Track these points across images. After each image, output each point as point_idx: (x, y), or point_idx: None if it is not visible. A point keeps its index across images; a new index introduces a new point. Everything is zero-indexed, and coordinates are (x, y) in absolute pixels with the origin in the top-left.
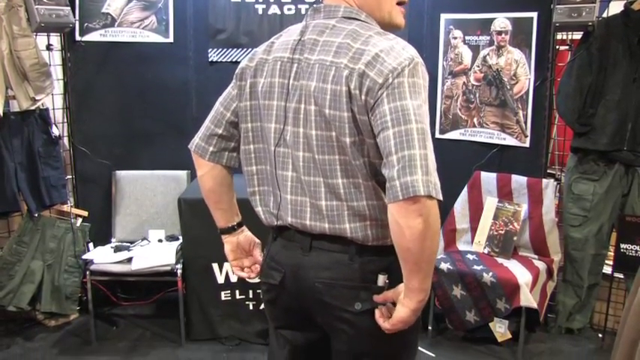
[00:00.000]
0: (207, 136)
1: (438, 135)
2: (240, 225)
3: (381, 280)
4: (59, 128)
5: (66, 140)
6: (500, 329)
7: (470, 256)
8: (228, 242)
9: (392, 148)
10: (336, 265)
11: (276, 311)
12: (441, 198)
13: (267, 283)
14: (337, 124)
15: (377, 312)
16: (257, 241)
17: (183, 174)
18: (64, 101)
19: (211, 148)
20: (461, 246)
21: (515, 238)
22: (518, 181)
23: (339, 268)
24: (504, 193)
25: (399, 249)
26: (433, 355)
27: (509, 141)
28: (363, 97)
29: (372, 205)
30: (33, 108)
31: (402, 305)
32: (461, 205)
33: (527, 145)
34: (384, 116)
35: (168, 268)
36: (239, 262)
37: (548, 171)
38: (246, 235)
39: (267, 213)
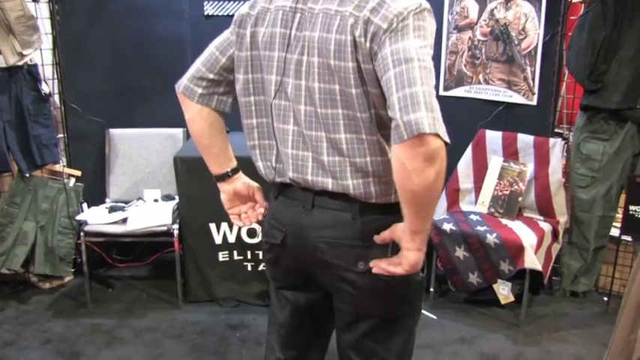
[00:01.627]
0: (196, 78)
1: (442, 92)
2: (235, 171)
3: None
4: (49, 85)
5: (56, 97)
6: (504, 291)
7: (473, 217)
8: (224, 190)
9: (393, 88)
10: (338, 223)
11: (277, 271)
12: (447, 140)
13: (269, 242)
14: (342, 75)
15: (383, 261)
16: (256, 185)
17: (179, 132)
18: (54, 56)
19: (200, 90)
20: (464, 206)
21: (520, 199)
22: (525, 140)
23: (342, 227)
24: (510, 152)
25: (404, 192)
26: (435, 317)
27: (516, 98)
28: (367, 45)
29: (375, 161)
30: (20, 64)
31: (407, 250)
32: (465, 164)
33: (534, 102)
34: (385, 59)
35: (165, 228)
36: (236, 209)
37: (556, 130)
38: (243, 182)
39: (267, 168)
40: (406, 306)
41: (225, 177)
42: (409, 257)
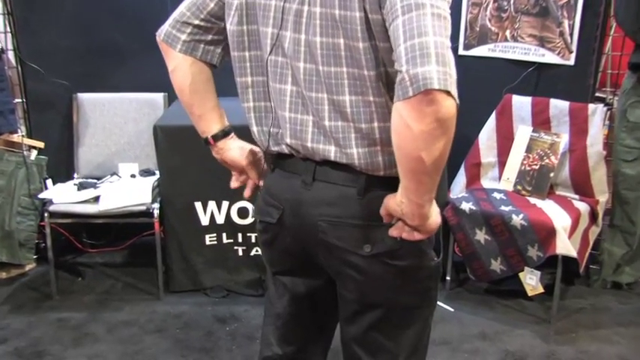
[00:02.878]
0: (179, 23)
1: (461, 51)
2: (226, 133)
3: (394, 221)
4: (1, 40)
5: (11, 55)
6: (532, 281)
7: (497, 195)
8: (217, 157)
9: (401, 37)
10: (342, 200)
11: (273, 254)
12: (457, 100)
13: (264, 221)
14: (348, 26)
15: (392, 229)
16: (255, 148)
17: (159, 97)
18: (5, 5)
19: (183, 37)
20: (486, 183)
21: (551, 175)
22: (559, 106)
23: (346, 203)
24: (540, 120)
25: (407, 161)
26: (451, 309)
27: (549, 57)
28: None
29: (383, 127)
30: None
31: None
32: (487, 135)
33: (571, 62)
34: (394, 5)
35: (143, 208)
36: (236, 177)
37: (597, 94)
38: (239, 149)
39: (262, 134)
40: (418, 295)
41: (207, 142)
42: (424, 227)
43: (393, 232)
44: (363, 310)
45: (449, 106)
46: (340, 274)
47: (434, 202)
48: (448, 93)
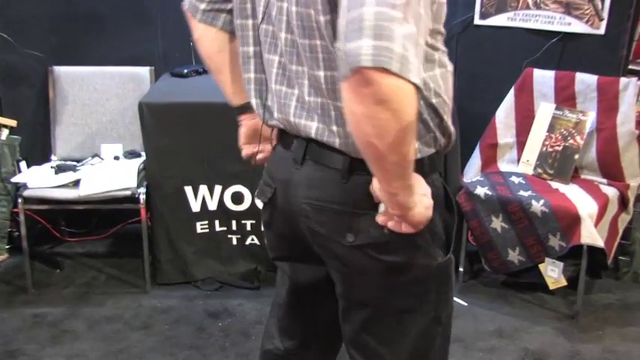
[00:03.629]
0: None
1: (477, 21)
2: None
3: (383, 208)
4: None
5: None
6: (553, 273)
7: (515, 179)
8: (245, 125)
9: (344, 9)
10: (325, 182)
11: (270, 237)
12: (410, 78)
13: (260, 201)
14: None
15: (379, 215)
16: None
17: (144, 71)
18: None
19: (202, 6)
20: (503, 166)
21: (576, 157)
22: (585, 80)
23: (329, 186)
24: (565, 96)
25: (360, 145)
26: (465, 304)
27: (576, 27)
28: None
29: None
30: None
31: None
32: (505, 112)
33: (601, 31)
34: None
35: (128, 193)
36: (251, 147)
37: (630, 67)
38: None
39: (260, 107)
40: (412, 298)
41: (245, 109)
42: (408, 219)
43: (379, 218)
44: (350, 306)
45: (389, 85)
46: (329, 265)
47: (418, 193)
48: (386, 70)
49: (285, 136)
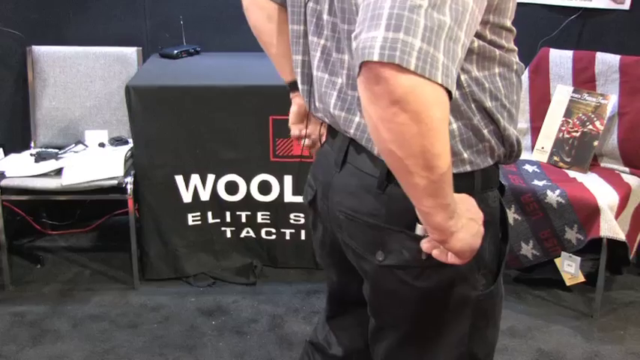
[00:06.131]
0: None
1: None
2: None
3: (420, 229)
4: None
5: None
6: (570, 268)
7: (529, 168)
8: (296, 103)
9: None
10: (361, 191)
11: (315, 241)
12: (435, 78)
13: (304, 202)
14: None
15: (424, 241)
16: None
17: (131, 51)
18: None
19: None
20: None
21: (595, 144)
22: (607, 60)
23: (364, 195)
24: (584, 78)
25: (382, 154)
26: None
27: (598, 1)
28: None
29: None
30: None
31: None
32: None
33: (625, 6)
34: None
35: (114, 182)
36: (298, 128)
37: None
38: None
39: (306, 93)
40: (444, 327)
41: (297, 86)
42: (448, 245)
43: (424, 244)
44: (377, 327)
45: (404, 85)
46: (362, 281)
47: (464, 216)
48: (401, 67)
49: (332, 132)
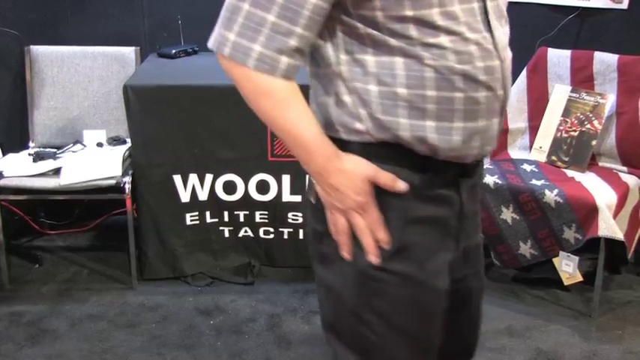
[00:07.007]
0: None
1: None
2: None
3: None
4: None
5: None
6: (568, 268)
7: (527, 167)
8: None
9: None
10: None
11: None
12: (246, 62)
13: None
14: None
15: None
16: None
17: (130, 51)
18: None
19: None
20: (514, 153)
21: (594, 143)
22: (605, 59)
23: None
24: (582, 77)
25: None
26: None
27: (596, 1)
28: None
29: (311, 72)
30: None
31: None
32: (516, 95)
33: (624, 5)
34: None
35: (112, 182)
36: None
37: None
38: None
39: None
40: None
41: None
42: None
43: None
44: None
45: (228, 70)
46: None
47: (324, 175)
48: (224, 56)
49: None
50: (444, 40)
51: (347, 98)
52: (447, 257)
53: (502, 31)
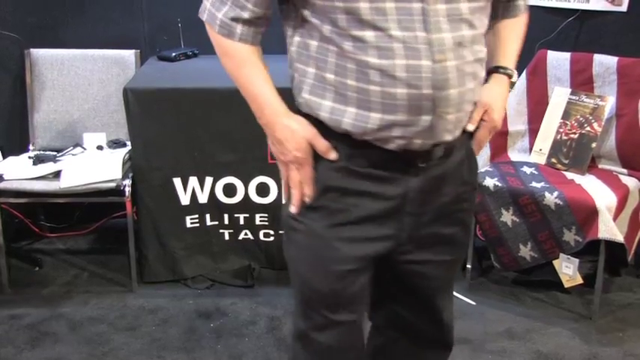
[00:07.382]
0: None
1: None
2: None
3: None
4: None
5: None
6: (568, 270)
7: (527, 169)
8: None
9: None
10: None
11: None
12: (214, 27)
13: None
14: None
15: None
16: None
17: (129, 54)
18: None
19: None
20: (514, 155)
21: (593, 145)
22: (605, 62)
23: None
24: (581, 80)
25: None
26: (473, 303)
27: (595, 3)
28: None
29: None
30: None
31: None
32: (516, 98)
33: (623, 8)
34: None
35: (112, 185)
36: None
37: None
38: None
39: None
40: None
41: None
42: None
43: None
44: None
45: (208, 33)
46: None
47: (269, 127)
48: (204, 21)
49: None
50: (368, 34)
51: (295, 75)
52: (373, 232)
53: (452, 35)
